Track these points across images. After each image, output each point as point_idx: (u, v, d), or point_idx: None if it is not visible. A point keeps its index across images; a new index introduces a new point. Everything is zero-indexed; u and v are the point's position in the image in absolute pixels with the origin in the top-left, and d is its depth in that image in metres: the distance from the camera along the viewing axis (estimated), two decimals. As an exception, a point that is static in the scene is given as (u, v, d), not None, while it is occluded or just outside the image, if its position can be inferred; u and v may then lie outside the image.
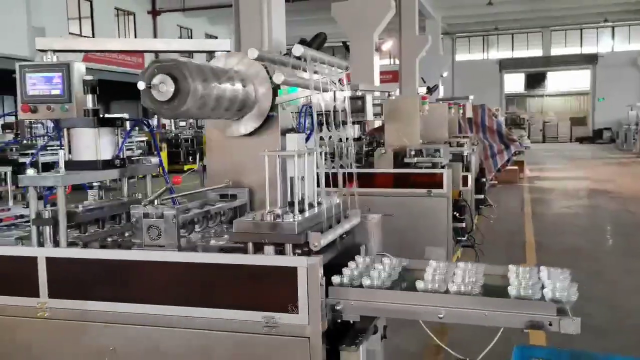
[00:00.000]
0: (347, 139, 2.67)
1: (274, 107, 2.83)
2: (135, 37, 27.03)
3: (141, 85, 2.26)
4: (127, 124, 2.96)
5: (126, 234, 2.82)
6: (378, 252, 2.79)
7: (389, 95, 7.71)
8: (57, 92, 2.75)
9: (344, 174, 2.70)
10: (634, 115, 29.96)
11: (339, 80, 2.85)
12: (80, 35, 23.36)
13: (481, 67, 40.37)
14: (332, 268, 2.34)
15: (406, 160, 6.32)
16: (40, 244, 2.51)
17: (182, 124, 23.71)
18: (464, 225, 6.55)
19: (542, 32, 40.00)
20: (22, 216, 3.20)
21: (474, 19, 33.76)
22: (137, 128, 12.83)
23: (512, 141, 12.70)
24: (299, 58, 2.57)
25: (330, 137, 2.59)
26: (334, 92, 2.73)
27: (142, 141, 19.91)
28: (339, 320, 2.27)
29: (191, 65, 2.31)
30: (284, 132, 2.85)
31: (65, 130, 2.80)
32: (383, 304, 2.24)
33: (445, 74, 24.58)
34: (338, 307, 2.23)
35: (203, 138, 18.63)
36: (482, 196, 8.89)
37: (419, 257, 2.77)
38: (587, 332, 4.70)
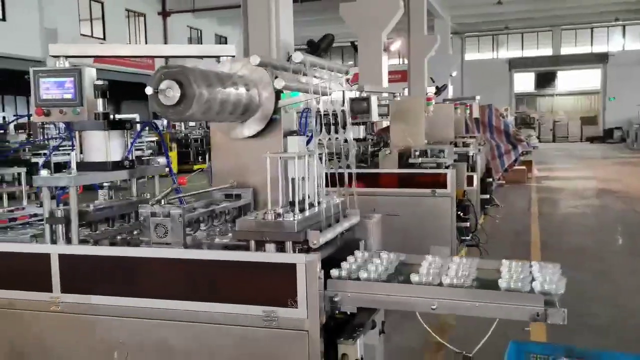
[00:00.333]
0: (345, 140, 2.76)
1: (277, 110, 2.93)
2: (146, 37, 27.26)
3: (149, 90, 2.37)
4: (138, 126, 3.08)
5: (135, 232, 2.93)
6: (377, 250, 2.89)
7: (395, 96, 7.78)
8: (69, 96, 2.87)
9: (344, 174, 2.80)
10: (644, 115, 29.82)
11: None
12: (92, 36, 23.61)
13: (491, 66, 40.25)
14: (333, 264, 2.45)
15: (411, 160, 6.41)
16: (53, 241, 2.63)
17: (192, 124, 23.84)
18: (468, 224, 6.63)
19: (552, 31, 39.81)
20: (36, 215, 3.32)
21: (483, 18, 33.66)
22: (147, 128, 12.97)
23: (519, 141, 12.74)
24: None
25: (328, 139, 2.69)
26: (333, 95, 2.83)
27: (153, 141, 20.08)
28: (338, 311, 2.37)
29: (196, 71, 2.42)
30: (286, 134, 2.96)
31: (76, 132, 2.93)
32: (379, 295, 2.35)
33: (454, 74, 24.54)
34: (336, 299, 2.34)
35: (212, 138, 18.70)
36: (487, 196, 8.96)
37: (423, 255, 2.84)
38: (590, 332, 4.77)
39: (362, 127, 7.51)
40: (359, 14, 12.11)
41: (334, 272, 2.41)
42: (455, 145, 8.08)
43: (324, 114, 2.74)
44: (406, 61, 16.31)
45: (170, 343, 2.43)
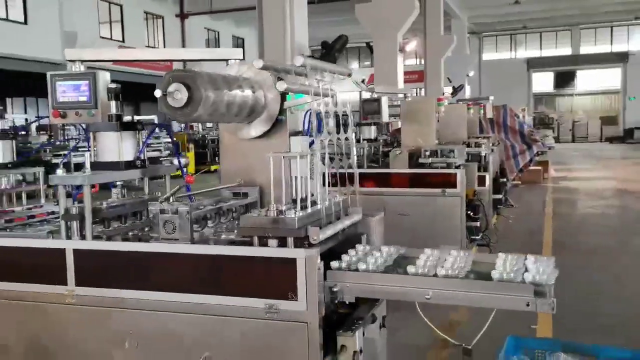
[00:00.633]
0: (346, 139, 2.86)
1: (282, 111, 3.03)
2: (164, 39, 27.59)
3: (158, 93, 2.49)
4: (151, 127, 3.21)
5: (146, 229, 3.06)
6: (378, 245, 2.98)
7: (406, 97, 7.85)
8: (84, 98, 3.01)
9: (347, 173, 2.90)
10: (665, 114, 29.41)
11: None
12: (111, 39, 23.98)
13: (509, 66, 40.00)
14: (335, 257, 2.56)
15: (421, 160, 6.48)
16: (69, 237, 2.77)
17: (209, 125, 24.04)
18: (478, 224, 6.67)
19: (571, 30, 39.45)
20: (53, 213, 3.47)
21: (500, 18, 33.44)
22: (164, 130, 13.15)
23: (534, 141, 12.71)
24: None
25: (329, 140, 2.78)
26: (337, 96, 2.93)
27: (170, 142, 20.28)
28: (338, 301, 2.47)
29: (204, 75, 2.53)
30: (292, 135, 3.06)
31: (91, 133, 3.07)
32: (376, 286, 2.45)
33: (471, 74, 24.43)
34: (335, 289, 2.45)
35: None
36: (500, 196, 8.96)
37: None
38: (597, 332, 4.76)
39: (373, 128, 7.58)
40: (374, 14, 12.09)
41: (334, 263, 2.51)
42: (468, 145, 8.12)
43: (326, 115, 2.84)
44: (422, 61, 16.31)
45: (177, 333, 2.55)
